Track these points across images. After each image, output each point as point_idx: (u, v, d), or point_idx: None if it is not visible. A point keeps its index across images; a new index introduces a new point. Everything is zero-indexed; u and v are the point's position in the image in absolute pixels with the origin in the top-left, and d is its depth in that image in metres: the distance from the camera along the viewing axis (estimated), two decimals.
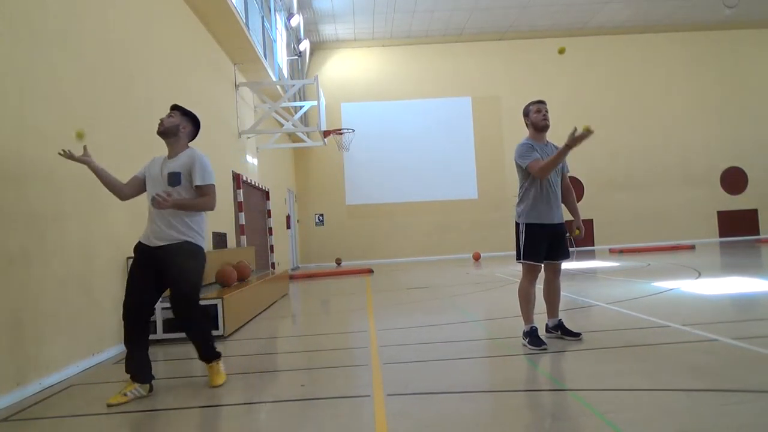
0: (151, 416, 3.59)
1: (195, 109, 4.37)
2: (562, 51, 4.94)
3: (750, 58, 23.41)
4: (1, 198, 3.98)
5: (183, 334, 5.88)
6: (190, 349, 5.62)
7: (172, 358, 5.42)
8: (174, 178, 4.03)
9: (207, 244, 4.31)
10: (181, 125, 4.20)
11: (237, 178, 11.39)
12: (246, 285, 7.64)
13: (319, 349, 5.55)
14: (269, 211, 14.76)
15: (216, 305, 6.05)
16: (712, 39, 23.32)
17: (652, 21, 22.35)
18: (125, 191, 4.22)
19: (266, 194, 14.73)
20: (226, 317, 6.07)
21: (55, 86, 4.82)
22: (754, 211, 23.27)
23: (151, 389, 4.00)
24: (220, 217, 10.07)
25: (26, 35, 4.45)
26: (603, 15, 21.48)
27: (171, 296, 4.02)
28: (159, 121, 4.18)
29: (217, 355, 4.20)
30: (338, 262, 21.67)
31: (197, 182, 4.04)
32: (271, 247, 14.62)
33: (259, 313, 7.93)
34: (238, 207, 11.34)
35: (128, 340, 3.97)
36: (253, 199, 13.30)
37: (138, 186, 4.21)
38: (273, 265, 14.40)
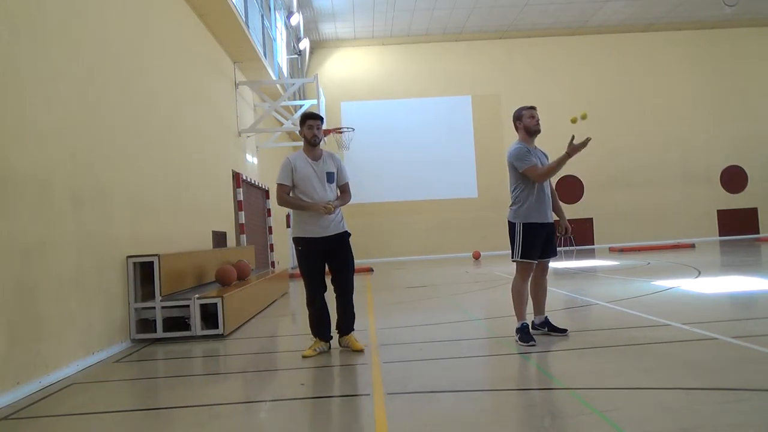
0: (152, 415, 3.59)
1: (195, 108, 4.38)
2: (584, 117, 5.09)
3: (750, 57, 23.39)
4: (1, 196, 3.98)
5: (182, 333, 5.97)
6: (190, 348, 5.68)
7: (172, 357, 5.43)
8: None
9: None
10: None
11: (237, 177, 11.38)
12: (246, 284, 7.64)
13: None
14: (269, 210, 14.75)
15: (216, 304, 6.06)
16: (712, 37, 23.30)
17: (652, 19, 22.33)
18: None
19: (266, 193, 14.72)
20: (226, 316, 6.07)
21: (55, 86, 4.81)
22: (754, 210, 23.27)
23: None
24: (220, 216, 10.07)
25: (26, 35, 4.45)
26: (603, 13, 21.45)
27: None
28: None
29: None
30: None
31: None
32: (271, 245, 14.62)
33: (259, 312, 7.94)
34: (238, 206, 11.33)
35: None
36: (252, 198, 13.30)
37: None
38: (273, 263, 14.40)
